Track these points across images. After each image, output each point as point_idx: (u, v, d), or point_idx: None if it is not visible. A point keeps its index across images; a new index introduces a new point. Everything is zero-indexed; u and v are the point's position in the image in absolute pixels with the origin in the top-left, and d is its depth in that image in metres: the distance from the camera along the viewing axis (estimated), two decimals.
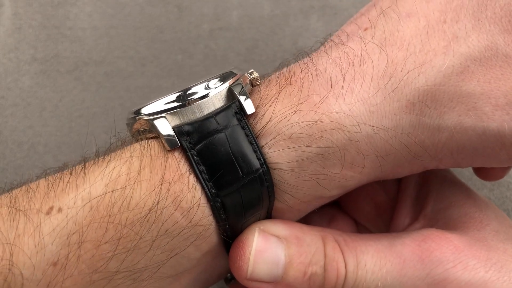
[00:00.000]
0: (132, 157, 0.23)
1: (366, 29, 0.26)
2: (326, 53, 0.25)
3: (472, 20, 0.25)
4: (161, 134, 0.23)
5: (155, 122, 0.23)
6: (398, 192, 0.32)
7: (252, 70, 0.25)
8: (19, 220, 0.21)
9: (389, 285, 0.26)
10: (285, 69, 0.26)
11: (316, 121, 0.24)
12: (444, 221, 0.29)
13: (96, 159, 0.24)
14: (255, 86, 0.25)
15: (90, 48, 0.40)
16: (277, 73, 0.26)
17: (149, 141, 0.24)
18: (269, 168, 0.24)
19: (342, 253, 0.26)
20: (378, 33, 0.25)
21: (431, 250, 0.26)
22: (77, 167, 0.23)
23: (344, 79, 0.24)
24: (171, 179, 0.23)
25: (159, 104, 0.24)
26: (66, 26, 0.40)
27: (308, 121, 0.24)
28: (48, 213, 0.22)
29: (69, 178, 0.23)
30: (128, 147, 0.24)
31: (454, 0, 0.25)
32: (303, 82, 0.25)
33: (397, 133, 0.24)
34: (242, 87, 0.25)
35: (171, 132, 0.23)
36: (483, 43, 0.24)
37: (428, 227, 0.28)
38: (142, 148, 0.24)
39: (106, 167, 0.23)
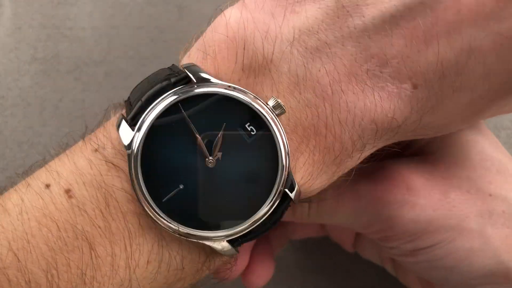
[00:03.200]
0: None
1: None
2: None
3: None
4: None
5: None
6: None
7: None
8: None
9: (346, 214, 0.29)
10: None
11: None
12: (423, 155, 0.31)
13: None
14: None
15: (90, 48, 0.40)
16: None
17: None
18: None
19: None
20: None
21: (383, 191, 0.28)
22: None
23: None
24: None
25: None
26: (66, 26, 0.40)
27: None
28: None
29: None
30: None
31: None
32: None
33: None
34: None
35: None
36: None
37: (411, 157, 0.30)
38: None
39: None
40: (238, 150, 0.23)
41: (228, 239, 0.23)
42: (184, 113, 0.22)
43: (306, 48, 0.23)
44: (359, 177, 0.29)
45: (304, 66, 0.23)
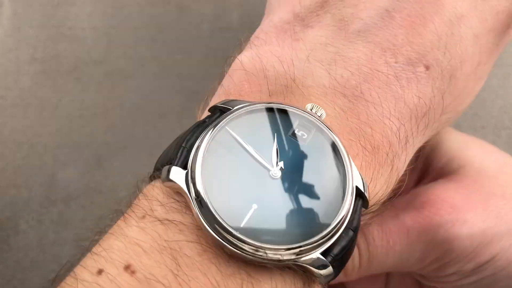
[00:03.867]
0: None
1: None
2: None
3: None
4: None
5: None
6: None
7: None
8: None
9: (399, 254, 0.28)
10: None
11: None
12: (446, 176, 0.31)
13: None
14: None
15: (89, 48, 0.40)
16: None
17: None
18: None
19: None
20: None
21: (430, 216, 0.28)
22: None
23: None
24: None
25: None
26: (66, 26, 0.40)
27: None
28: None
29: None
30: None
31: None
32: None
33: None
34: None
35: None
36: None
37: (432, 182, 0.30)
38: None
39: None
40: (297, 156, 0.21)
41: (319, 251, 0.21)
42: (234, 134, 0.21)
43: (322, 60, 0.23)
44: (396, 213, 0.28)
45: (329, 74, 0.23)
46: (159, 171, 0.22)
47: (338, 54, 0.23)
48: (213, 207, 0.20)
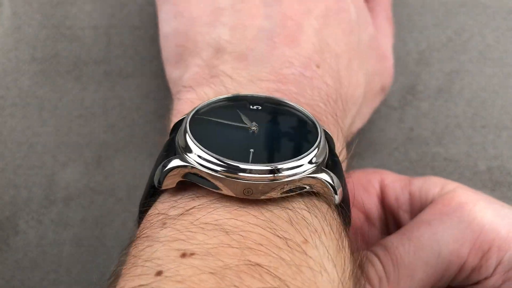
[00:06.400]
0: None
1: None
2: None
3: None
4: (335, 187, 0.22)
5: (321, 176, 0.22)
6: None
7: None
8: None
9: (428, 258, 0.26)
10: None
11: None
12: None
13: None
14: None
15: (89, 47, 0.40)
16: None
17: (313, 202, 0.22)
18: None
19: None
20: None
21: (447, 202, 0.27)
22: None
23: None
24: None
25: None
26: (66, 25, 0.40)
27: None
28: None
29: None
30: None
31: None
32: None
33: None
34: None
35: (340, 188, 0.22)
36: None
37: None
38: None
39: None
40: (262, 116, 0.25)
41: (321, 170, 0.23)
42: (206, 117, 0.24)
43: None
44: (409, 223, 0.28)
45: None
46: (150, 198, 0.23)
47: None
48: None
